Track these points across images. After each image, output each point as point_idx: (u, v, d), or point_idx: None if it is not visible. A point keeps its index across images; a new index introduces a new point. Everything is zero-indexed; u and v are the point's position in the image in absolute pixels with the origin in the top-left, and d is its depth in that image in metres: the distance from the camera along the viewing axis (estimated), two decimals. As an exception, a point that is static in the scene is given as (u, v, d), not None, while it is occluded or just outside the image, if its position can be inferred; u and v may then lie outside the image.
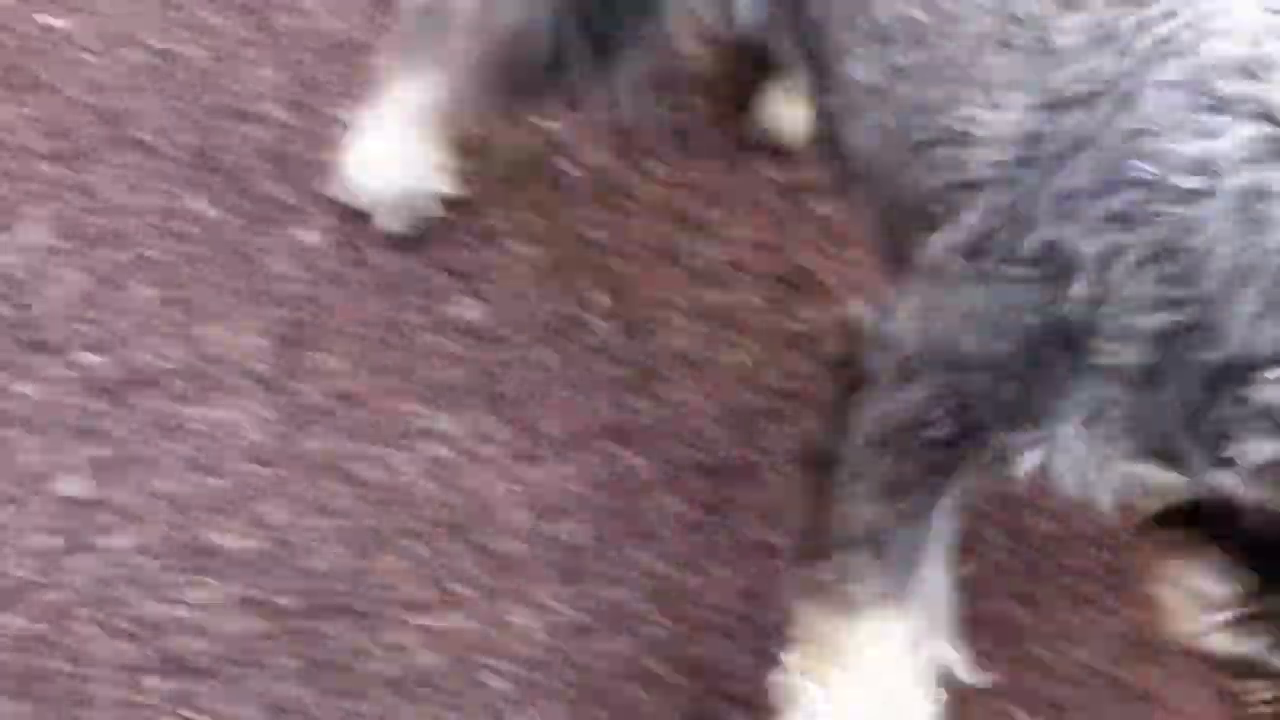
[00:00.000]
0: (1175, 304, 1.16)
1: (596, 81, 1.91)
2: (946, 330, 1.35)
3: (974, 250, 1.32)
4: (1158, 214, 1.16)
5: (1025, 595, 1.95)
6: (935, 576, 1.53)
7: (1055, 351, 1.25)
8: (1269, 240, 1.12)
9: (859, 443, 1.47)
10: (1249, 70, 1.15)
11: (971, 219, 1.33)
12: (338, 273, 2.16)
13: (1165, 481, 1.19)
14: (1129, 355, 1.20)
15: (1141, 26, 1.24)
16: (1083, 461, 1.28)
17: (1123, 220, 1.19)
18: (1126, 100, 1.22)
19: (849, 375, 1.48)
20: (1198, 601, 1.19)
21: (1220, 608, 1.18)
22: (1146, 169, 1.18)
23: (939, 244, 1.38)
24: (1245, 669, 1.19)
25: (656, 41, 1.87)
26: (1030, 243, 1.25)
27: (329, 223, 2.19)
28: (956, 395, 1.35)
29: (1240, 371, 1.12)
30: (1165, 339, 1.18)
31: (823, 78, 1.64)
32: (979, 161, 1.34)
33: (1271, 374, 1.09)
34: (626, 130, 2.25)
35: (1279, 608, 1.15)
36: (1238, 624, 1.17)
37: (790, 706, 1.64)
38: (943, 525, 1.50)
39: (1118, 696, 1.87)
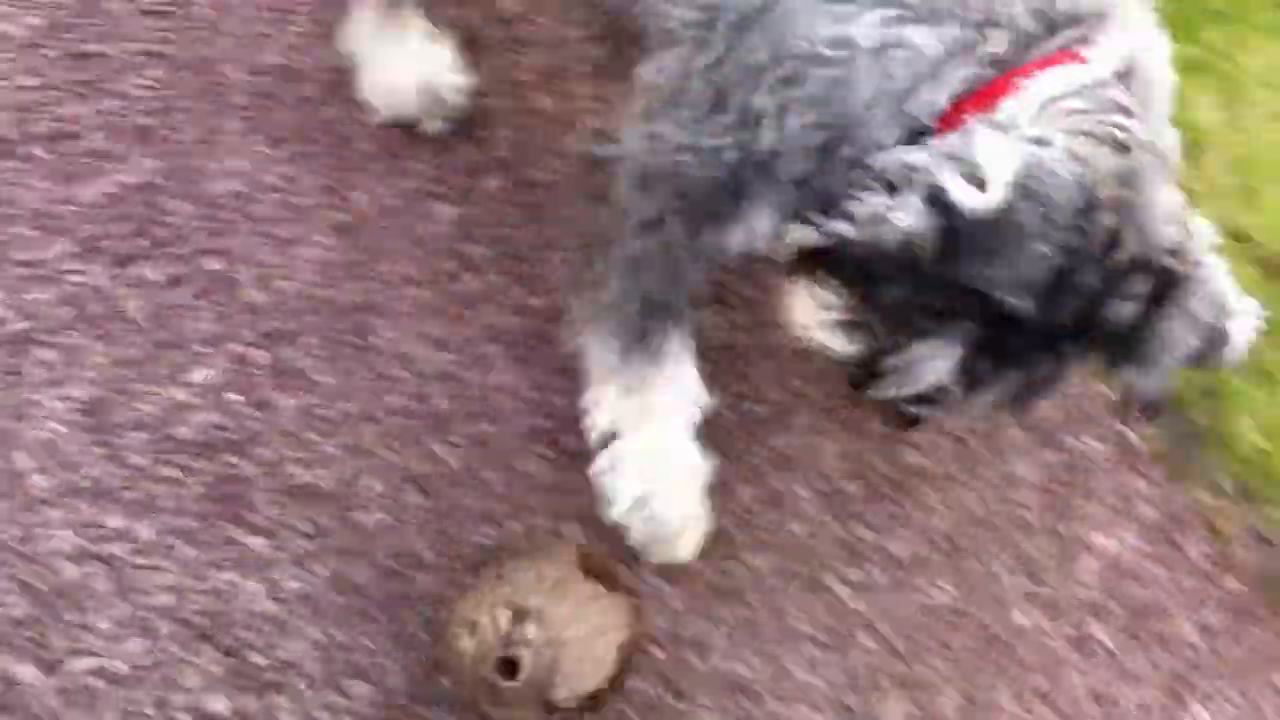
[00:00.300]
0: (829, 128, 1.70)
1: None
2: (671, 158, 1.81)
3: (676, 96, 1.80)
4: (814, 75, 1.69)
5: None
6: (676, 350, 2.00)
7: (751, 174, 1.77)
8: (896, 83, 1.66)
9: (615, 230, 1.90)
10: None
11: (671, 63, 1.80)
12: None
13: (807, 233, 1.71)
14: (798, 167, 1.73)
15: None
16: (764, 235, 1.83)
17: (790, 82, 1.70)
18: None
19: (594, 181, 1.90)
20: (815, 306, 1.71)
21: (830, 311, 1.70)
22: (802, 44, 1.68)
23: (648, 73, 1.84)
24: (852, 368, 1.72)
25: None
26: (731, 105, 1.75)
27: None
28: (679, 202, 1.83)
29: (864, 158, 1.67)
30: (821, 151, 1.72)
31: None
32: (669, 16, 1.79)
33: (885, 155, 1.64)
34: None
35: (872, 318, 1.67)
36: (842, 326, 1.70)
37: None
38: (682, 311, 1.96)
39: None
